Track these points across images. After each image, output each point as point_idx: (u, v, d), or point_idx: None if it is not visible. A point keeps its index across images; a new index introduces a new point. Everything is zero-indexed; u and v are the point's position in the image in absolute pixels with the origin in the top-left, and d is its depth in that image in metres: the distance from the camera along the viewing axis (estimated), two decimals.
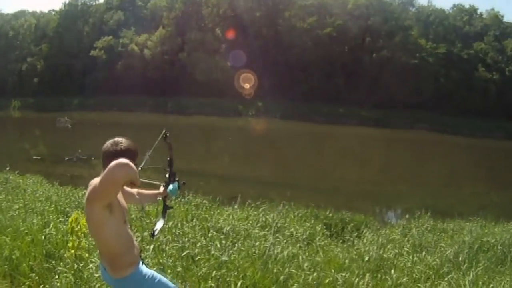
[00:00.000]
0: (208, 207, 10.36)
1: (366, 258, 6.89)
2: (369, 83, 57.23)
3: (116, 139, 3.27)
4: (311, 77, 58.39)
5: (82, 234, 5.74)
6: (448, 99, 54.38)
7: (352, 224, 10.92)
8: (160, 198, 3.91)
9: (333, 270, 5.84)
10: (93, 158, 23.23)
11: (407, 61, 56.88)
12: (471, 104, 53.61)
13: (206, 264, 5.63)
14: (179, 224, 7.69)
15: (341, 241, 9.30)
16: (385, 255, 7.23)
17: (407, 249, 8.15)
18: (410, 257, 7.42)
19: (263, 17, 61.98)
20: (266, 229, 8.40)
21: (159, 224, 3.72)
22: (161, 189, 3.92)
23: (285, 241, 7.76)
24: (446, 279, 6.46)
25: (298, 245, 7.45)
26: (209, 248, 6.62)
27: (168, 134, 3.75)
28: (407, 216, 12.38)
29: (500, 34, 61.79)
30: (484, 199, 21.10)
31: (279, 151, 31.61)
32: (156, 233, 3.67)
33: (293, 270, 5.62)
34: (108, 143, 3.26)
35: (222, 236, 7.29)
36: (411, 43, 58.92)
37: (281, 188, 17.68)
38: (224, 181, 20.02)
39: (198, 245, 6.69)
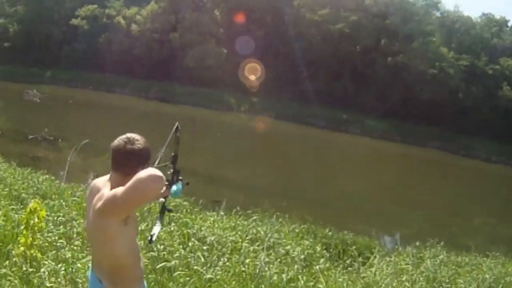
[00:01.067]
0: (189, 210, 9.83)
1: None
2: (380, 89, 56.73)
3: (129, 135, 3.10)
4: (315, 75, 57.81)
5: (38, 230, 5.19)
6: (466, 117, 53.97)
7: (354, 247, 10.43)
8: (162, 199, 3.78)
9: None
10: (60, 140, 22.78)
11: (425, 70, 56.41)
12: (490, 124, 53.07)
13: (186, 280, 5.09)
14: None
15: (341, 265, 8.80)
16: None
17: (422, 283, 7.70)
18: None
19: (269, 2, 61.37)
20: (257, 244, 7.93)
21: (157, 229, 3.64)
22: (163, 189, 3.66)
23: (279, 260, 7.28)
24: None
25: (295, 266, 6.92)
26: (189, 259, 6.13)
27: (180, 127, 3.69)
28: (417, 243, 11.88)
29: None
30: (496, 232, 20.83)
31: (273, 154, 31.16)
32: (153, 238, 3.56)
33: None
34: (121, 140, 3.07)
35: (205, 247, 6.79)
36: (431, 51, 58.46)
37: (274, 196, 17.25)
38: (208, 182, 19.54)
39: (175, 255, 6.21)
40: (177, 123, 3.68)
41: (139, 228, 7.12)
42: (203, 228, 7.95)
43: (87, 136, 18.87)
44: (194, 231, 7.65)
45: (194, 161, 23.72)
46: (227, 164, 25.42)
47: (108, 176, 3.13)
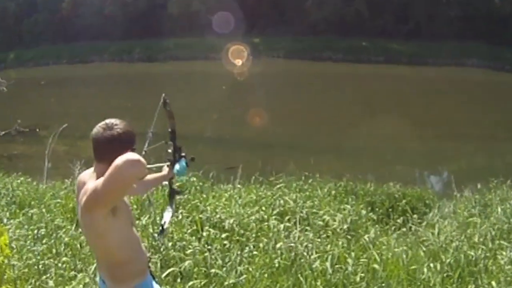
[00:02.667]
0: (198, 188, 9.26)
1: (447, 261, 5.80)
2: (399, 8, 55.66)
3: (108, 121, 3.22)
4: (322, 2, 56.74)
5: (5, 259, 4.64)
6: (505, 27, 52.56)
7: (404, 201, 9.81)
8: (166, 182, 4.03)
9: None
10: (38, 130, 22.32)
11: None
12: None
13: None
14: (158, 218, 6.66)
15: (393, 227, 8.21)
16: (471, 253, 6.13)
17: (497, 240, 7.07)
18: (504, 253, 6.35)
19: None
20: (287, 218, 7.39)
21: (168, 215, 3.79)
22: (166, 170, 3.97)
23: (317, 236, 6.70)
24: None
25: (339, 242, 6.33)
26: (205, 254, 5.60)
27: (168, 100, 3.81)
28: (479, 186, 11.25)
29: None
30: None
31: (288, 100, 30.49)
32: (165, 227, 3.75)
33: None
34: (99, 128, 3.19)
35: (223, 235, 6.26)
36: None
37: (297, 152, 16.73)
38: (218, 146, 19.14)
39: (188, 251, 5.69)
40: (163, 95, 3.76)
41: (142, 223, 6.64)
42: (218, 209, 7.39)
43: (69, 118, 18.41)
44: (208, 215, 7.11)
45: (197, 125, 23.28)
46: (237, 121, 24.80)
47: (93, 168, 3.24)
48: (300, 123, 24.89)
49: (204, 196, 8.45)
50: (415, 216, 8.65)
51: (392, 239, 7.09)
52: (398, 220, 8.56)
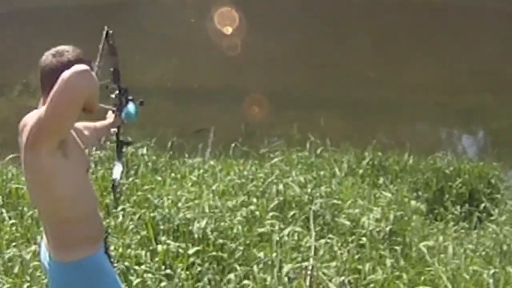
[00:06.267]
0: (149, 165, 7.99)
1: None
2: None
3: (58, 47, 3.39)
4: None
5: None
6: None
7: (459, 181, 8.58)
8: (114, 129, 4.17)
9: None
10: None
11: None
12: None
13: None
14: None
15: (451, 223, 7.19)
16: None
17: None
18: None
19: None
20: (292, 214, 6.24)
21: (117, 170, 3.97)
22: (111, 116, 4.17)
23: (345, 245, 5.60)
24: None
25: (386, 262, 5.08)
26: (163, 285, 4.56)
27: (110, 32, 3.93)
28: None
29: None
30: None
31: (274, 40, 29.40)
32: (116, 182, 3.90)
33: None
34: (48, 55, 3.36)
35: (191, 251, 5.04)
36: None
37: (292, 109, 15.59)
38: (179, 102, 17.99)
39: (135, 281, 4.68)
40: (106, 27, 3.88)
41: None
42: (180, 202, 6.12)
43: None
44: (165, 212, 5.79)
45: (152, 72, 22.22)
46: (207, 66, 23.79)
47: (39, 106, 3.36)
48: (295, 69, 23.85)
49: (159, 179, 7.13)
50: (484, 203, 7.66)
51: (457, 244, 6.07)
52: (456, 211, 7.62)
